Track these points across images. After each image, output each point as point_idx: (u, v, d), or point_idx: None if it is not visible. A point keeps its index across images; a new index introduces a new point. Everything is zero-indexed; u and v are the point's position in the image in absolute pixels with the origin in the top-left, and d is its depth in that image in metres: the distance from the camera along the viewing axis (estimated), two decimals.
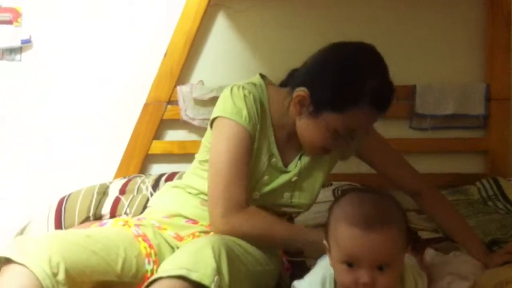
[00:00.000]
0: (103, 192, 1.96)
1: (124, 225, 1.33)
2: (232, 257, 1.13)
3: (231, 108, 1.30)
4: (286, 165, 1.39)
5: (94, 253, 1.16)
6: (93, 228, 1.34)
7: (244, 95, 1.32)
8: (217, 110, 1.33)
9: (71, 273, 1.10)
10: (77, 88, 2.24)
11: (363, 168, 1.55)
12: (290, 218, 1.73)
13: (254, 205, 1.32)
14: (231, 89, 1.33)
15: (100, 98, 2.24)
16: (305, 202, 1.42)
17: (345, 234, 0.96)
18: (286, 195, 1.39)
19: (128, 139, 2.17)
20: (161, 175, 2.04)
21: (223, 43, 2.20)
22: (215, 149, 1.31)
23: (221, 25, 2.19)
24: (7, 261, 1.07)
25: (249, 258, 1.24)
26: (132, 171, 2.17)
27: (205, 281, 1.05)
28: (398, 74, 2.16)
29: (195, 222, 1.37)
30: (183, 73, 2.16)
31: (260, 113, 1.33)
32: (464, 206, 1.84)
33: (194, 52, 2.18)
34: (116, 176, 2.16)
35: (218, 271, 1.07)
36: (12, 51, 2.23)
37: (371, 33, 2.16)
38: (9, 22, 2.21)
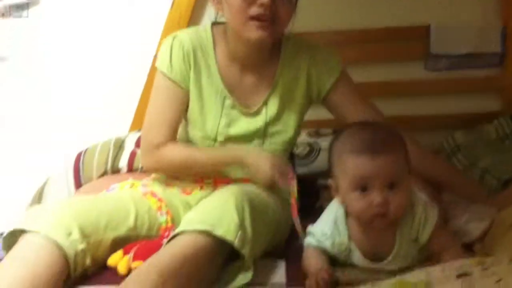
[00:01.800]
0: (119, 145, 1.98)
1: (131, 187, 1.37)
2: (254, 211, 1.15)
3: (160, 59, 1.39)
4: (249, 106, 1.39)
5: (104, 211, 1.19)
6: (101, 194, 1.37)
7: (171, 45, 1.36)
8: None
9: (85, 231, 1.12)
10: (85, 41, 2.22)
11: None
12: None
13: None
14: (167, 39, 1.39)
15: (110, 51, 2.22)
16: (277, 148, 1.40)
17: (353, 162, 1.02)
18: (257, 141, 1.39)
19: (141, 92, 2.16)
20: None
21: None
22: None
23: None
24: (23, 232, 1.10)
25: (267, 209, 1.25)
26: None
27: (229, 237, 1.06)
28: (412, 14, 2.13)
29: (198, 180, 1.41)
30: (192, 23, 2.11)
31: (199, 57, 1.37)
32: (480, 146, 1.83)
33: (203, 0, 2.14)
34: (131, 129, 2.17)
35: (241, 226, 1.09)
36: (19, 7, 2.21)
37: None
38: None
